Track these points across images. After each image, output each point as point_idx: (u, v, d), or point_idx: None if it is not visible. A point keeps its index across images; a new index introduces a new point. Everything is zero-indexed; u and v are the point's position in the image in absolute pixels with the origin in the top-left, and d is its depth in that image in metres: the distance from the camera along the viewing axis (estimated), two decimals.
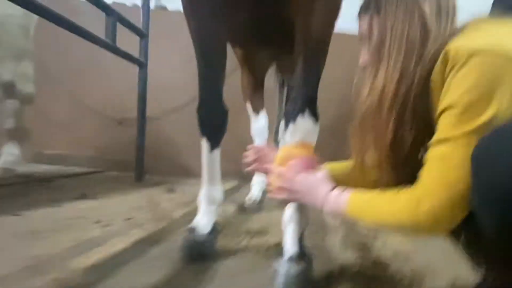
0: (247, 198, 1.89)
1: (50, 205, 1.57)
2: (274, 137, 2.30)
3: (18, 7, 1.81)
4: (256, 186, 1.97)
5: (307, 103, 0.96)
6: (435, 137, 0.63)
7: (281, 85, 2.34)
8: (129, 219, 1.45)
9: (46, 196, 1.74)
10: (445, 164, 0.61)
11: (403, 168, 0.71)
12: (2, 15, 2.01)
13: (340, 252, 1.23)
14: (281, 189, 0.87)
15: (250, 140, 2.13)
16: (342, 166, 0.93)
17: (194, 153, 2.91)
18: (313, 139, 0.97)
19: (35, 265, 0.90)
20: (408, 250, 1.27)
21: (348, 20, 0.97)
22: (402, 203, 0.65)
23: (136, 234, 1.24)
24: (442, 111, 0.62)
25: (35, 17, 2.19)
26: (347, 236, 1.44)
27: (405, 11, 0.71)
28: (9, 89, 2.16)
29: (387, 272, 1.05)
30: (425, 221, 0.62)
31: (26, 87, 2.25)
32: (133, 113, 2.59)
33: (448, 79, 0.62)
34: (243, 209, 1.81)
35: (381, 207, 0.69)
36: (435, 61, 0.65)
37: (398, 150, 0.71)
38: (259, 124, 1.99)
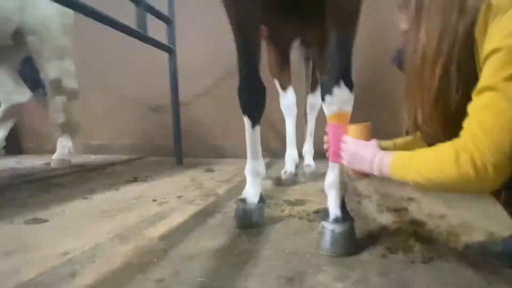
0: (282, 171, 1.98)
1: (109, 189, 1.74)
2: (304, 113, 2.35)
3: (57, 7, 1.97)
4: (290, 160, 2.05)
5: (342, 74, 1.00)
6: (478, 85, 0.61)
7: (306, 59, 2.37)
8: (180, 196, 1.59)
9: (104, 182, 1.92)
10: (487, 112, 0.59)
11: (454, 125, 0.67)
12: (44, 16, 2.14)
13: (376, 214, 1.31)
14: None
15: (278, 118, 2.20)
16: (396, 141, 0.97)
17: (225, 134, 3.07)
18: (349, 109, 1.02)
19: (116, 236, 1.05)
20: (442, 211, 1.34)
21: None
22: (443, 155, 0.64)
23: (191, 209, 1.38)
24: (486, 58, 0.60)
25: (72, 15, 2.31)
26: (381, 200, 1.51)
27: None
28: (57, 86, 2.32)
29: (424, 230, 1.12)
30: (467, 171, 0.60)
31: (71, 83, 2.40)
32: (166, 100, 2.71)
33: (490, 27, 0.61)
34: (279, 183, 1.90)
35: (423, 162, 0.68)
36: (476, 13, 0.65)
37: (446, 106, 0.70)
38: (287, 100, 2.03)
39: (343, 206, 1.02)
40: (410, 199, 1.53)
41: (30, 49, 2.21)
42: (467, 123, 0.63)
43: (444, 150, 0.65)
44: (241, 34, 1.16)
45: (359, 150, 0.86)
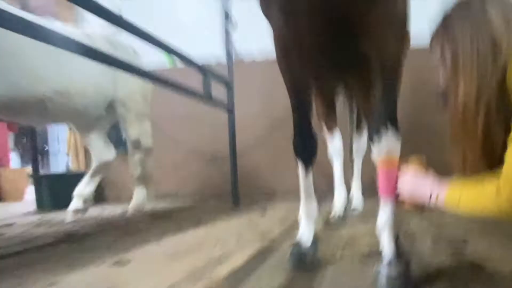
0: (331, 214, 1.94)
1: (177, 233, 1.83)
2: (349, 156, 2.33)
3: (140, 81, 2.28)
4: (338, 202, 2.01)
5: (389, 122, 1.01)
6: (511, 134, 0.66)
7: (351, 108, 2.40)
8: (239, 238, 1.62)
9: (172, 226, 2.02)
10: None
11: (499, 164, 0.72)
12: (131, 90, 2.47)
13: (432, 256, 1.22)
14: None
15: (325, 161, 2.20)
16: None
17: (277, 179, 3.13)
18: (397, 154, 1.02)
19: (187, 277, 1.10)
20: (501, 252, 1.21)
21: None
22: (486, 192, 0.69)
23: (250, 251, 1.40)
24: None
25: (151, 86, 2.64)
26: (436, 241, 1.41)
27: (472, 31, 0.74)
28: (136, 145, 2.60)
29: (484, 273, 1.02)
30: (506, 208, 0.64)
31: (148, 142, 2.67)
32: (225, 151, 2.88)
33: None
34: (328, 224, 1.86)
35: (471, 198, 0.73)
36: (507, 63, 0.68)
37: (491, 152, 0.74)
38: (335, 144, 2.05)
39: (397, 247, 0.98)
40: (465, 241, 1.40)
41: (118, 116, 2.53)
42: (504, 169, 0.67)
43: (486, 189, 0.70)
44: (296, 94, 1.23)
45: (418, 184, 0.88)
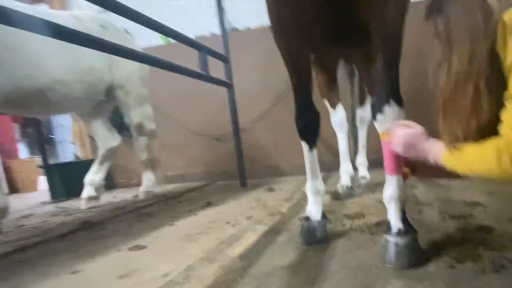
0: (338, 185, 1.97)
1: (189, 215, 1.89)
2: (351, 125, 2.33)
3: (136, 63, 2.25)
4: (345, 174, 2.04)
5: (391, 93, 1.01)
6: (506, 95, 0.68)
7: (351, 76, 2.36)
8: (249, 217, 1.67)
9: (183, 209, 2.08)
10: None
11: (493, 133, 0.73)
12: (128, 72, 2.45)
13: (440, 223, 1.25)
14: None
15: (330, 135, 2.21)
16: None
17: (281, 154, 3.15)
18: None
19: (203, 258, 1.15)
20: (511, 214, 1.23)
21: None
22: (487, 154, 0.70)
23: (261, 228, 1.45)
24: (509, 70, 0.66)
25: (148, 68, 2.61)
26: (444, 207, 1.44)
27: (464, 3, 0.75)
28: (140, 129, 2.61)
29: (492, 236, 1.05)
30: (508, 169, 0.66)
31: (150, 125, 2.69)
32: (227, 129, 2.88)
33: (509, 41, 0.66)
34: (336, 197, 1.89)
35: (471, 159, 0.75)
36: (495, 33, 0.69)
37: (481, 121, 0.74)
38: (338, 117, 2.04)
39: (404, 217, 1.00)
40: (475, 204, 1.43)
41: (118, 100, 2.53)
42: (502, 128, 0.69)
43: (488, 150, 0.71)
44: (294, 69, 1.21)
45: (413, 137, 0.88)
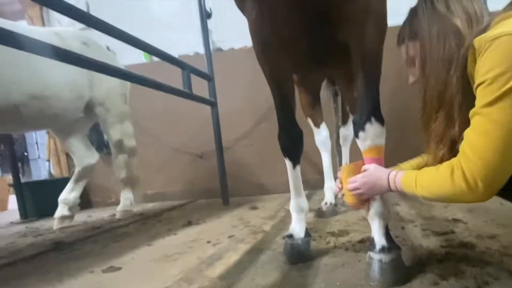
0: (322, 203, 1.97)
1: (168, 234, 1.82)
2: (336, 146, 2.36)
3: (116, 80, 2.22)
4: (329, 191, 2.04)
5: (372, 111, 1.02)
6: (471, 112, 0.69)
7: (334, 95, 2.42)
8: (231, 236, 1.63)
9: (162, 228, 2.01)
10: (475, 133, 0.67)
11: None
12: (108, 89, 2.41)
13: (422, 239, 1.26)
14: (353, 195, 0.98)
15: (314, 153, 2.23)
16: (415, 161, 1.02)
17: (265, 172, 3.14)
18: (382, 142, 1.03)
19: (181, 279, 1.10)
20: (492, 231, 1.26)
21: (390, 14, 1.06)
22: (442, 172, 0.72)
23: (243, 247, 1.41)
24: (475, 91, 0.68)
25: (129, 85, 2.59)
26: (426, 224, 1.45)
27: (438, 30, 0.78)
28: (119, 146, 2.55)
29: (475, 252, 1.06)
30: (460, 184, 0.67)
31: (130, 142, 2.63)
32: (211, 147, 2.86)
33: (477, 66, 0.68)
34: (320, 214, 1.89)
35: (427, 179, 0.76)
36: (466, 59, 0.72)
37: (452, 139, 0.78)
38: (321, 136, 2.07)
39: (387, 234, 1.00)
40: (456, 221, 1.45)
41: (98, 117, 2.47)
42: (461, 145, 0.71)
43: (443, 168, 0.73)
44: (276, 85, 1.23)
45: (374, 174, 0.92)
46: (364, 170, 0.97)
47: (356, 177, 0.97)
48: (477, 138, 0.67)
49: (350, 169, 1.02)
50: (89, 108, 2.38)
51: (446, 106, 0.77)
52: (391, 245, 0.97)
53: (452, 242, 1.18)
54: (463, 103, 0.75)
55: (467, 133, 0.70)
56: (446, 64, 0.76)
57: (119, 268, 1.30)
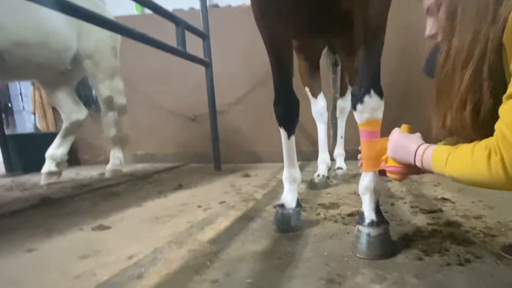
0: (315, 175, 2.00)
1: (159, 196, 1.86)
2: (331, 116, 2.37)
3: (107, 32, 2.13)
4: (322, 164, 2.08)
5: (372, 83, 1.02)
6: (508, 90, 0.62)
7: (334, 65, 2.38)
8: (222, 202, 1.67)
9: (153, 189, 2.04)
10: None
11: (485, 128, 0.68)
12: (97, 41, 2.32)
13: (411, 216, 1.31)
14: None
15: (308, 122, 2.23)
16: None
17: (258, 140, 3.16)
18: (380, 116, 1.03)
19: (171, 241, 1.14)
20: (478, 211, 1.31)
21: None
22: (478, 154, 0.65)
23: (233, 214, 1.45)
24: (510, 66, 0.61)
25: (120, 38, 2.49)
26: (415, 202, 1.50)
27: None
28: (109, 103, 2.51)
29: (460, 231, 1.11)
30: (497, 171, 0.61)
31: (121, 99, 2.59)
32: (203, 109, 2.83)
33: None
34: (312, 186, 1.93)
35: (460, 159, 0.69)
36: (505, 22, 0.64)
37: (476, 110, 0.69)
38: (318, 106, 2.06)
39: (377, 209, 1.03)
40: (445, 200, 1.51)
41: (86, 71, 2.40)
42: (498, 125, 0.63)
43: (479, 149, 0.65)
44: (275, 52, 1.21)
45: (404, 141, 0.86)
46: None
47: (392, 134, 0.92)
48: None
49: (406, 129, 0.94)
50: (76, 60, 2.31)
51: (474, 64, 0.67)
52: (380, 219, 1.01)
53: (439, 220, 1.23)
54: (495, 67, 0.66)
55: (505, 113, 0.63)
56: (481, 14, 0.67)
57: (109, 227, 1.33)
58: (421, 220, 1.25)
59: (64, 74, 2.36)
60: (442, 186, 1.78)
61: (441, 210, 1.35)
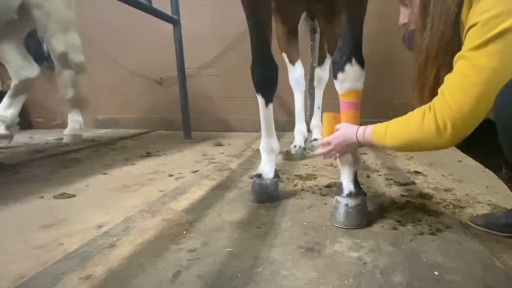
0: (292, 146, 2.04)
1: (126, 164, 1.81)
2: (309, 86, 2.38)
3: None
4: (299, 135, 2.11)
5: (353, 51, 1.02)
6: (455, 56, 0.70)
7: (312, 32, 2.36)
8: (195, 171, 1.66)
9: (119, 157, 1.99)
10: (456, 76, 0.69)
11: None
12: None
13: (386, 188, 1.39)
14: (327, 152, 1.04)
15: (286, 92, 2.23)
16: None
17: (230, 107, 3.12)
18: (360, 86, 1.05)
19: (143, 210, 1.13)
20: (448, 184, 1.41)
21: None
22: (414, 115, 0.75)
23: (208, 184, 1.45)
24: (465, 35, 0.69)
25: None
26: (390, 175, 1.59)
27: None
28: (64, 60, 2.32)
29: (431, 203, 1.20)
30: (429, 127, 0.71)
31: (77, 56, 2.40)
32: (171, 72, 2.73)
33: (472, 9, 0.68)
34: (289, 157, 1.97)
35: (396, 124, 0.81)
36: (461, 5, 0.71)
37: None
38: (296, 74, 2.05)
39: (356, 181, 1.08)
40: (417, 173, 1.60)
41: (35, 23, 2.20)
42: (440, 87, 0.73)
43: (415, 112, 0.76)
44: (253, 13, 1.17)
45: (344, 133, 0.98)
46: (337, 129, 1.02)
47: (329, 138, 1.02)
48: (456, 82, 0.69)
49: (330, 119, 1.06)
50: (24, 9, 2.09)
51: (443, 54, 0.77)
52: (358, 191, 1.06)
53: (412, 192, 1.32)
54: (455, 47, 0.75)
55: (448, 76, 0.72)
56: (447, 12, 0.74)
57: (73, 195, 1.29)
58: (395, 192, 1.33)
59: (10, 24, 2.14)
60: (415, 159, 1.89)
61: (414, 183, 1.44)
